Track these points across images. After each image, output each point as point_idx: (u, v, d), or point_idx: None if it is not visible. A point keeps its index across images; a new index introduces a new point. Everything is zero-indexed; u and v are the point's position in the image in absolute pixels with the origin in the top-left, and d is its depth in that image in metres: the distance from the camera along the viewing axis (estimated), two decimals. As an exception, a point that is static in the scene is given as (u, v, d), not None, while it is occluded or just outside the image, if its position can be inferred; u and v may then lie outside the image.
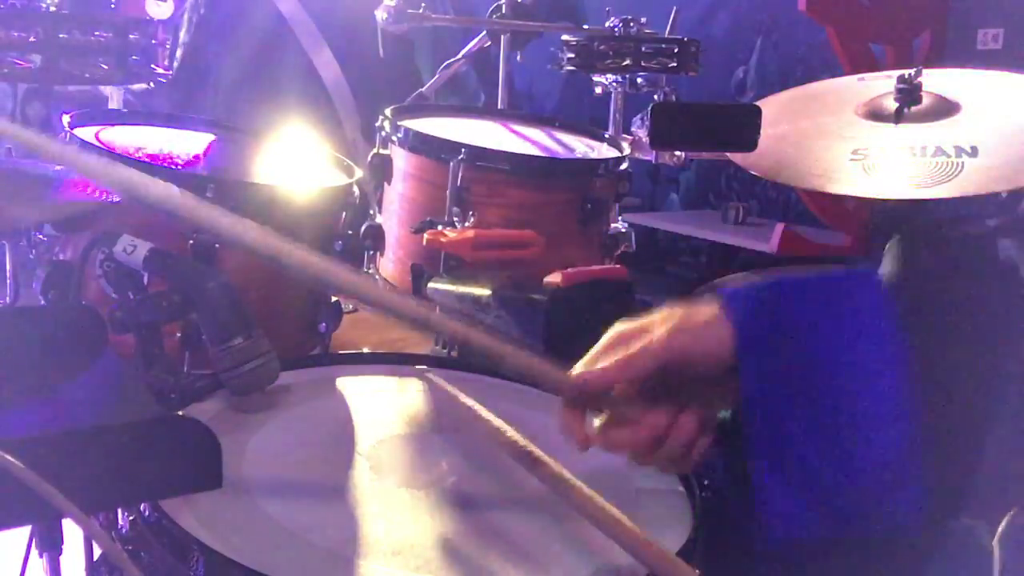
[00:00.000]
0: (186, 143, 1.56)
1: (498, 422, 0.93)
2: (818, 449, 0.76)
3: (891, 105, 1.58)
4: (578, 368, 0.85)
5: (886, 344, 0.75)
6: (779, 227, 3.07)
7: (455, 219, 1.46)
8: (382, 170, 1.59)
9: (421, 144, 1.54)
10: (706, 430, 0.83)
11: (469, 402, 0.98)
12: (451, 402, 1.00)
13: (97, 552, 0.99)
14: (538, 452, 0.88)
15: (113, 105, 2.34)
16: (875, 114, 1.59)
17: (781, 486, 0.77)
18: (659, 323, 0.82)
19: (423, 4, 2.04)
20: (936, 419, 0.74)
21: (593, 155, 1.68)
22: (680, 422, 0.81)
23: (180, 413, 0.98)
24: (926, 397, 0.74)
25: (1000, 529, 0.79)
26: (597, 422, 0.86)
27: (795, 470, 0.77)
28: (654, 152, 1.91)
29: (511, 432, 0.91)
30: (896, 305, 0.76)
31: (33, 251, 1.39)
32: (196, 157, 1.48)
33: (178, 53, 2.56)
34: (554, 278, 1.26)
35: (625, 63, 1.92)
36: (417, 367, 1.10)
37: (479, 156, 1.48)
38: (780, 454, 0.77)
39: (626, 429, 0.84)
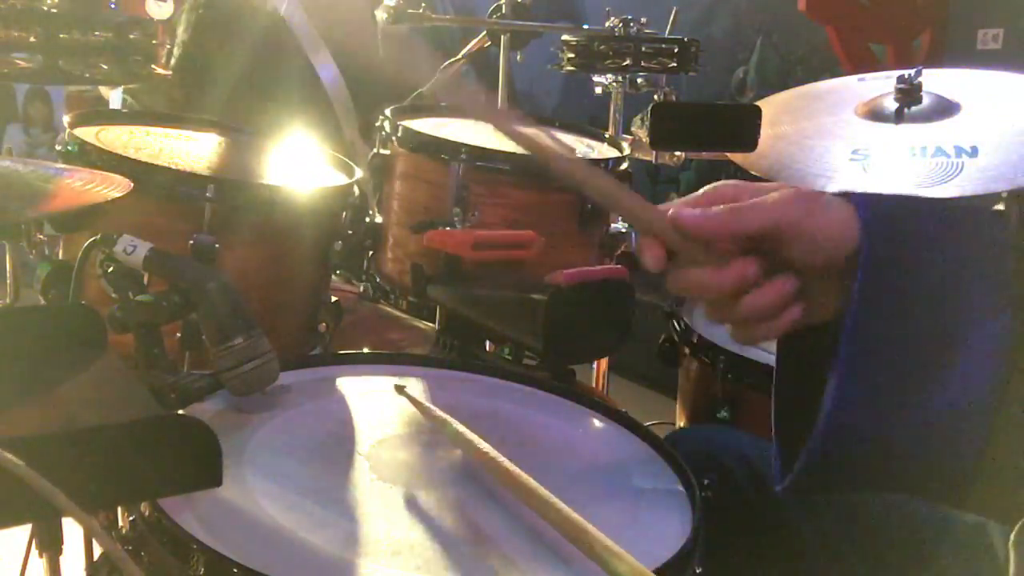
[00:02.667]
0: (186, 143, 1.56)
1: (471, 436, 0.92)
2: (909, 369, 0.72)
3: (891, 105, 1.58)
4: (675, 208, 0.78)
5: (1000, 289, 0.72)
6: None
7: (455, 219, 1.46)
8: (382, 170, 1.59)
9: (421, 144, 1.54)
10: (799, 299, 0.76)
11: (442, 415, 0.98)
12: (427, 415, 1.01)
13: (97, 552, 0.99)
14: (511, 467, 0.87)
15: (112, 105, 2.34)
16: (875, 114, 1.59)
17: (860, 395, 0.72)
18: (773, 188, 0.76)
19: (423, 4, 2.04)
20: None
21: (593, 155, 1.68)
22: (776, 279, 0.75)
23: (180, 413, 0.98)
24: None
25: (1016, 530, 0.78)
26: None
27: (881, 385, 0.72)
28: (654, 152, 1.90)
29: (484, 446, 0.91)
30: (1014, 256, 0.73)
31: (33, 251, 1.39)
32: (196, 157, 1.48)
33: (176, 53, 2.56)
34: (554, 278, 1.26)
35: (625, 63, 1.92)
36: (396, 384, 1.09)
37: (479, 156, 1.48)
38: (869, 364, 0.72)
39: (711, 270, 0.76)
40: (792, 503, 1.05)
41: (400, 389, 1.07)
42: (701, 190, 0.79)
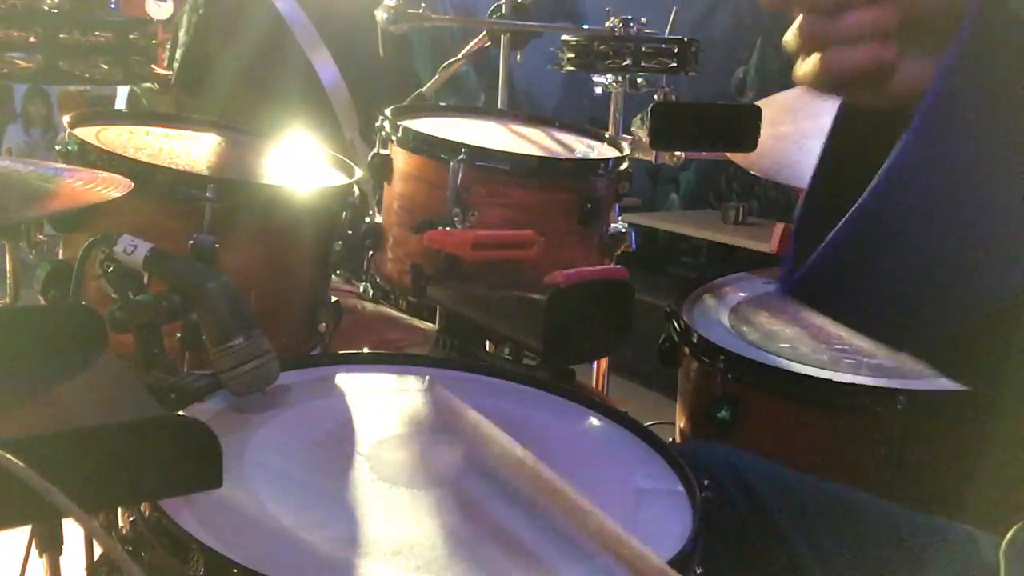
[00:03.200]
0: (186, 143, 1.56)
1: (504, 438, 0.92)
2: (973, 171, 0.64)
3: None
4: None
5: None
6: (779, 227, 3.08)
7: (455, 219, 1.46)
8: (382, 170, 1.59)
9: (421, 144, 1.54)
10: (899, 34, 0.65)
11: (474, 415, 0.98)
12: (455, 414, 1.00)
13: (97, 552, 0.99)
14: (544, 470, 0.87)
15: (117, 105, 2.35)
16: (875, 114, 1.59)
17: (921, 169, 0.65)
18: None
19: (423, 4, 2.04)
20: None
21: (593, 155, 1.68)
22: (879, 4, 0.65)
23: (180, 413, 0.98)
24: None
25: (1006, 540, 0.78)
26: None
27: (944, 167, 0.65)
28: (654, 152, 1.90)
29: (518, 450, 0.90)
30: None
31: (33, 251, 1.39)
32: (196, 157, 1.48)
33: (177, 54, 2.56)
34: (554, 278, 1.26)
35: (625, 63, 1.92)
36: (427, 379, 1.09)
37: (479, 156, 1.48)
38: (940, 144, 0.64)
39: None
40: (786, 518, 1.06)
41: (431, 384, 1.07)
42: None
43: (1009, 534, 0.75)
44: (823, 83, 0.68)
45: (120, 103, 2.53)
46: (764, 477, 1.11)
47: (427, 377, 1.09)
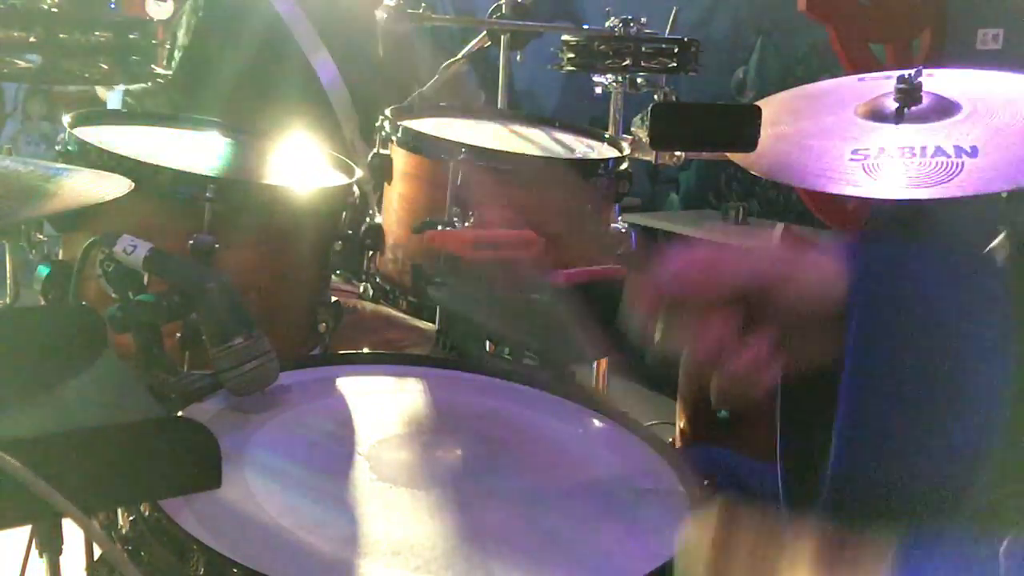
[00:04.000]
0: (186, 143, 1.56)
1: None
2: (909, 420, 0.73)
3: (891, 105, 1.58)
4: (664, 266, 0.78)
5: (998, 333, 0.72)
6: (779, 227, 3.08)
7: (455, 219, 1.46)
8: (382, 170, 1.59)
9: (421, 144, 1.54)
10: (779, 355, 0.76)
11: None
12: None
13: (97, 552, 0.99)
14: None
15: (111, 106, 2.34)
16: (875, 114, 1.59)
17: (862, 452, 0.74)
18: (764, 248, 0.78)
19: (423, 4, 2.04)
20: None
21: (593, 155, 1.68)
22: (755, 337, 0.75)
23: (180, 413, 0.98)
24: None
25: (1007, 541, 0.78)
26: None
27: (880, 438, 0.74)
28: (654, 152, 1.90)
29: None
30: (1011, 298, 0.73)
31: (33, 251, 1.39)
32: (196, 157, 1.48)
33: (176, 55, 2.56)
34: (554, 278, 1.26)
35: (625, 63, 1.92)
36: None
37: (479, 156, 1.48)
38: (867, 419, 0.73)
39: (693, 325, 0.77)
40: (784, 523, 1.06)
41: None
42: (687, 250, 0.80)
43: (1010, 535, 0.76)
44: (731, 405, 0.81)
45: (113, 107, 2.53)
46: (761, 480, 1.11)
47: None
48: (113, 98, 2.48)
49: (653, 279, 0.78)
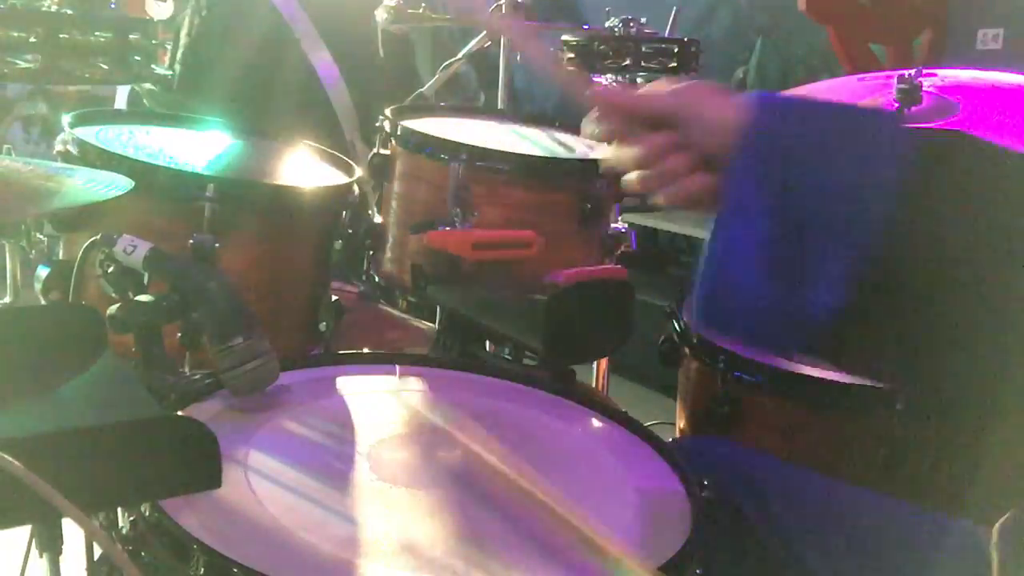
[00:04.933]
0: (186, 143, 1.56)
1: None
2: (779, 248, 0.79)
3: (891, 105, 1.58)
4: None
5: (888, 183, 0.77)
6: (779, 227, 3.07)
7: (455, 219, 1.46)
8: (382, 170, 1.59)
9: (421, 144, 1.54)
10: (701, 168, 0.88)
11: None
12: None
13: (97, 552, 0.99)
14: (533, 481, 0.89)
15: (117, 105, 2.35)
16: (875, 114, 1.59)
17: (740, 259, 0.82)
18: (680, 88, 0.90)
19: (423, 4, 2.04)
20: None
21: (593, 155, 1.68)
22: (676, 152, 0.88)
23: (180, 413, 0.98)
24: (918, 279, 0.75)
25: (998, 524, 0.79)
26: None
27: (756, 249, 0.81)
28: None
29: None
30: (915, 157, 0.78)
31: (33, 251, 1.39)
32: (196, 157, 1.48)
33: (179, 55, 2.56)
34: (554, 278, 1.26)
35: (625, 63, 1.92)
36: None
37: (479, 156, 1.48)
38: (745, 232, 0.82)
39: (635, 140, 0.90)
40: (787, 514, 1.06)
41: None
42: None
43: (998, 522, 0.76)
44: (672, 202, 0.92)
45: (120, 105, 2.53)
46: (765, 471, 1.11)
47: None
48: (120, 95, 2.49)
49: (595, 92, 0.93)
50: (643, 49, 1.92)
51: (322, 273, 1.50)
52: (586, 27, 2.09)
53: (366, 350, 1.31)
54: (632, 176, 0.92)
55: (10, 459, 0.59)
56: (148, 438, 0.71)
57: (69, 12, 1.94)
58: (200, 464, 0.73)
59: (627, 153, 0.91)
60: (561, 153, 1.68)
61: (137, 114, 1.73)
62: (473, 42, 2.24)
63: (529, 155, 1.60)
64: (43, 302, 1.30)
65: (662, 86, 0.91)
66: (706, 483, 0.95)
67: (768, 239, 0.80)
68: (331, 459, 0.96)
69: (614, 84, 0.94)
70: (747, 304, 0.82)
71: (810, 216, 0.78)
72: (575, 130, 1.82)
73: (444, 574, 0.78)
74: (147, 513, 0.80)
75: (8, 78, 1.90)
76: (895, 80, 1.58)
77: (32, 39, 1.83)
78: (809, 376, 1.43)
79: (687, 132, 0.87)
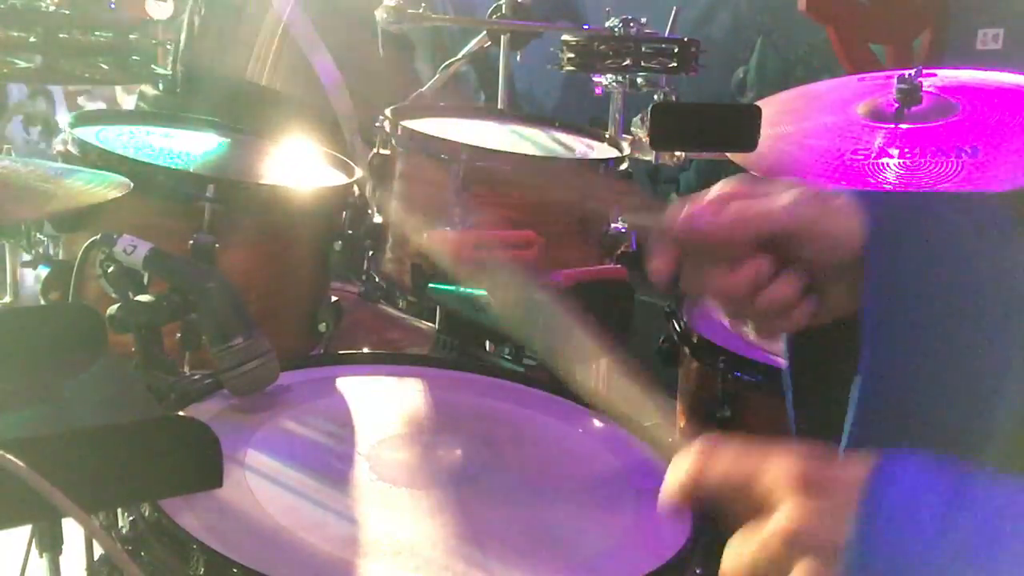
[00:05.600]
0: (186, 143, 1.56)
1: None
2: (929, 376, 0.72)
3: (891, 105, 1.58)
4: (684, 209, 0.77)
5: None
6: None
7: (455, 219, 1.46)
8: (382, 170, 1.59)
9: (421, 144, 1.54)
10: (810, 295, 0.76)
11: None
12: None
13: (97, 552, 0.99)
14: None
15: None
16: (875, 114, 1.59)
17: (880, 411, 0.73)
18: (784, 187, 0.75)
19: (423, 4, 2.04)
20: None
21: (593, 155, 1.68)
22: (788, 273, 0.74)
23: (180, 413, 0.98)
24: None
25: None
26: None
27: (899, 393, 0.73)
28: (654, 152, 1.90)
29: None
30: None
31: (33, 251, 1.39)
32: (196, 157, 1.48)
33: (179, 55, 2.56)
34: (554, 278, 1.26)
35: (625, 63, 1.91)
36: None
37: (479, 156, 1.48)
38: (894, 356, 0.72)
39: (724, 271, 0.75)
40: None
41: None
42: (715, 188, 0.78)
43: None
44: (768, 338, 0.81)
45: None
46: None
47: None
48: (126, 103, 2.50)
49: (674, 229, 0.76)
50: (643, 49, 1.91)
51: (322, 273, 1.50)
52: (586, 27, 2.09)
53: (366, 350, 1.31)
54: (749, 325, 0.79)
55: (11, 459, 0.59)
56: (148, 438, 0.71)
57: (69, 12, 1.94)
58: (201, 464, 0.73)
59: (715, 281, 0.76)
60: (561, 153, 1.68)
61: (137, 114, 1.74)
62: (473, 42, 2.24)
63: (529, 155, 1.60)
64: (43, 302, 1.30)
65: (763, 193, 0.75)
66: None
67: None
68: (331, 459, 0.96)
69: (700, 204, 0.75)
70: None
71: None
72: (575, 130, 1.82)
73: (444, 574, 0.78)
74: (147, 513, 0.80)
75: (8, 78, 1.90)
76: (895, 80, 1.58)
77: (32, 39, 1.83)
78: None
79: (798, 251, 0.74)
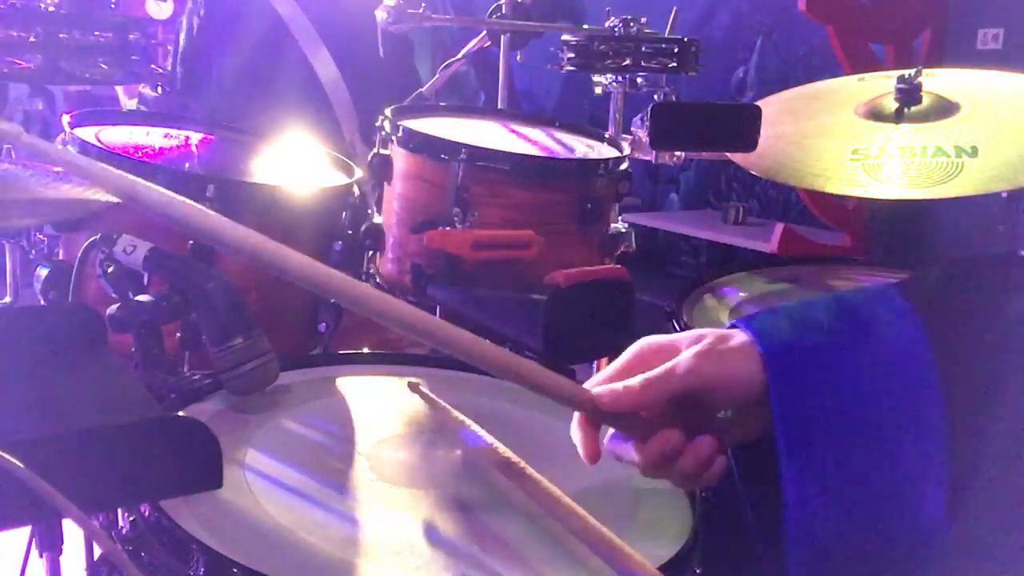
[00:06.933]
0: (186, 143, 1.56)
1: (487, 436, 0.94)
2: (851, 467, 0.74)
3: (891, 105, 1.58)
4: (595, 382, 0.83)
5: (918, 373, 0.74)
6: (779, 227, 3.08)
7: (455, 219, 1.46)
8: (382, 170, 1.59)
9: (421, 144, 1.54)
10: (722, 451, 0.80)
11: (460, 416, 0.99)
12: (442, 414, 1.01)
13: (97, 552, 0.99)
14: (527, 468, 0.88)
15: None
16: (875, 114, 1.59)
17: (812, 494, 0.75)
18: (686, 344, 0.80)
19: (423, 4, 2.04)
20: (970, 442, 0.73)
21: (593, 155, 1.68)
22: (696, 442, 0.79)
23: (180, 413, 0.98)
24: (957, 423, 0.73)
25: None
26: (608, 433, 0.84)
27: (827, 481, 0.75)
28: (654, 152, 1.90)
29: (500, 447, 0.91)
30: (927, 333, 0.74)
31: (33, 251, 1.39)
32: (196, 157, 1.48)
33: (179, 55, 2.56)
34: (554, 278, 1.26)
35: (625, 63, 1.91)
36: (409, 382, 1.10)
37: (479, 156, 1.48)
38: (811, 468, 0.75)
39: (639, 444, 0.81)
40: None
41: (414, 387, 1.08)
42: (624, 356, 0.85)
43: None
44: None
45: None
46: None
47: (414, 382, 1.10)
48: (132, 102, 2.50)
49: (591, 401, 0.82)
50: (643, 49, 1.91)
51: (322, 273, 1.49)
52: (586, 27, 2.09)
53: (366, 350, 1.31)
54: (656, 476, 0.81)
55: (11, 459, 0.59)
56: (148, 438, 0.71)
57: (69, 12, 1.94)
58: (201, 464, 0.73)
59: (629, 455, 0.81)
60: (561, 153, 1.68)
61: (137, 114, 1.73)
62: (473, 42, 2.24)
63: (529, 155, 1.60)
64: (43, 302, 1.30)
65: (664, 358, 0.80)
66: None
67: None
68: (331, 459, 0.96)
69: (607, 379, 0.85)
70: None
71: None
72: (575, 130, 1.82)
73: (444, 574, 0.78)
74: (147, 513, 0.80)
75: (8, 78, 1.90)
76: (895, 80, 1.58)
77: (32, 39, 1.83)
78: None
79: (707, 402, 0.79)
